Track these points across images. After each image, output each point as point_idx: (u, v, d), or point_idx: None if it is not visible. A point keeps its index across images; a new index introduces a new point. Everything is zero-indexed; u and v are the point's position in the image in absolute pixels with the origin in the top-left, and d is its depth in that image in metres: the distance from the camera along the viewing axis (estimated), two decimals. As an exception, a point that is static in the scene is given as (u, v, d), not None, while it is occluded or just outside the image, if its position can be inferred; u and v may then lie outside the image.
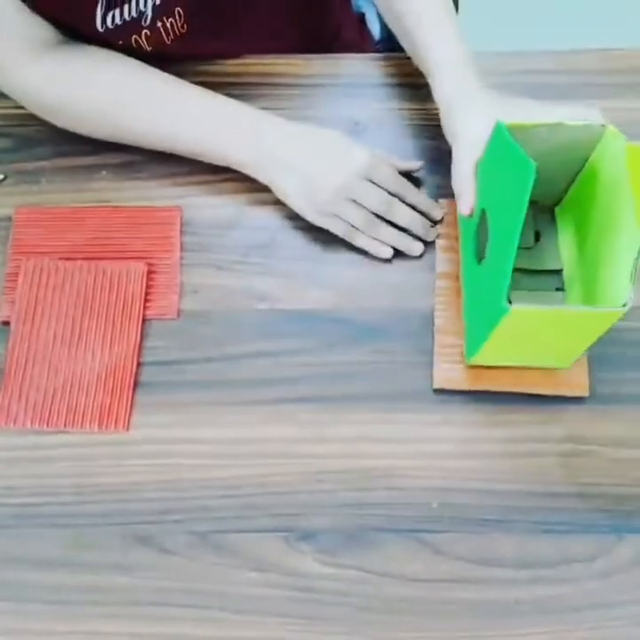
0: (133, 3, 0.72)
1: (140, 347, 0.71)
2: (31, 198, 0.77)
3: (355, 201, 0.72)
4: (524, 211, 0.58)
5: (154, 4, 0.73)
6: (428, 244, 0.75)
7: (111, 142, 0.78)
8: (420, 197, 0.75)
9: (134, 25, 0.74)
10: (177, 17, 0.76)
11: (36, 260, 0.74)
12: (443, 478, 0.67)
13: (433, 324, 0.71)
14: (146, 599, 0.63)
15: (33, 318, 0.72)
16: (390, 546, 0.65)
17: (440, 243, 0.75)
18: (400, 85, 0.82)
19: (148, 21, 0.74)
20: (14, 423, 0.69)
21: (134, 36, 0.75)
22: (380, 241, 0.74)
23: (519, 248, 0.71)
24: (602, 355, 0.69)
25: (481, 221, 0.67)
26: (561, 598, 0.63)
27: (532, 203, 0.72)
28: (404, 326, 0.72)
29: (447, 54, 0.72)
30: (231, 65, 0.83)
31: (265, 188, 0.75)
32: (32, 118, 0.78)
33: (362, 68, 0.84)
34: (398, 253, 0.74)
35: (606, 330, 0.61)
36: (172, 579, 0.64)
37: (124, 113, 0.75)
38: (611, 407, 0.68)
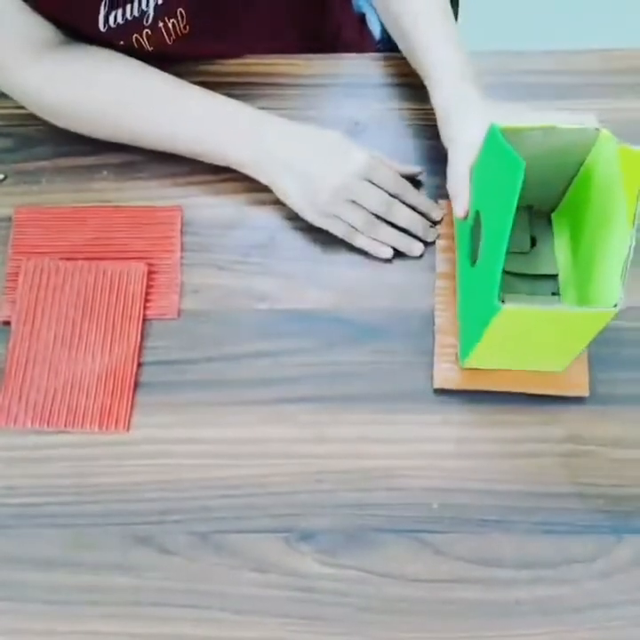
0: (136, 2, 0.72)
1: (141, 347, 0.71)
2: (31, 198, 0.77)
3: (354, 202, 0.72)
4: (514, 208, 0.58)
5: (156, 4, 0.73)
6: (428, 245, 0.75)
7: (111, 142, 0.78)
8: (419, 198, 0.75)
9: (136, 24, 0.74)
10: (179, 17, 0.76)
11: (37, 260, 0.74)
12: (443, 478, 0.67)
13: (433, 324, 0.71)
14: (146, 599, 0.63)
15: (33, 318, 0.72)
16: (390, 546, 0.65)
17: (440, 243, 0.75)
18: (400, 85, 0.82)
19: (150, 21, 0.74)
20: (14, 423, 0.69)
21: (135, 35, 0.75)
22: (380, 241, 0.74)
23: (515, 253, 0.72)
24: (602, 355, 0.69)
25: (475, 224, 0.68)
26: (561, 599, 0.63)
27: (528, 208, 0.73)
28: (404, 326, 0.72)
29: (444, 58, 0.72)
30: (231, 65, 0.83)
31: (265, 188, 0.75)
32: (32, 118, 0.78)
33: (362, 68, 0.84)
34: (398, 253, 0.74)
35: (599, 331, 0.61)
36: (173, 579, 0.64)
37: (125, 113, 0.75)
38: (610, 407, 0.68)
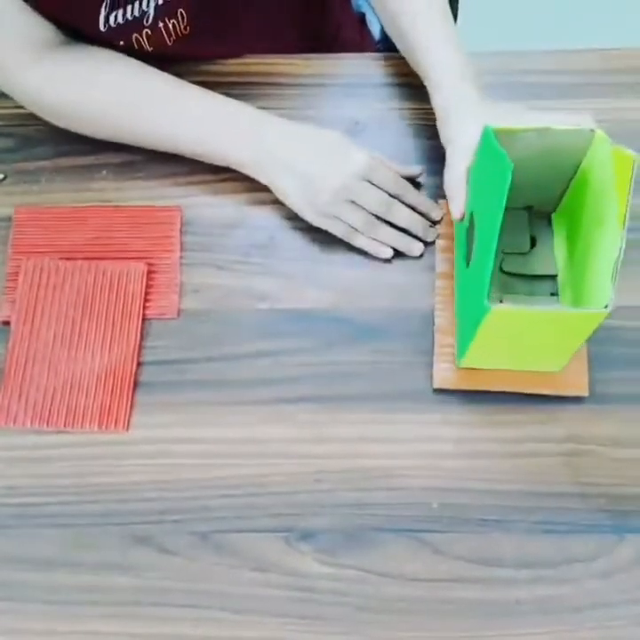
0: (136, 3, 0.72)
1: (140, 346, 0.71)
2: (31, 198, 0.77)
3: (354, 202, 0.72)
4: (502, 210, 0.59)
5: (156, 5, 0.73)
6: (428, 245, 0.75)
7: (112, 142, 0.78)
8: (419, 198, 0.75)
9: (136, 24, 0.74)
10: (179, 18, 0.76)
11: (36, 259, 0.74)
12: (442, 478, 0.67)
13: (433, 324, 0.71)
14: (146, 599, 0.63)
15: (33, 318, 0.72)
16: (390, 546, 0.65)
17: (440, 243, 0.75)
18: (400, 85, 0.82)
19: (150, 21, 0.74)
20: (14, 423, 0.69)
21: (135, 35, 0.75)
22: (380, 241, 0.74)
23: (514, 253, 0.72)
24: (602, 355, 0.69)
25: (470, 225, 0.68)
26: (561, 598, 0.63)
27: (529, 208, 0.73)
28: (403, 326, 0.72)
29: (443, 58, 0.72)
30: (231, 65, 0.83)
31: (265, 188, 0.75)
32: (32, 118, 0.78)
33: (362, 68, 0.84)
34: (398, 253, 0.74)
35: (593, 332, 0.61)
36: (172, 579, 0.64)
37: (125, 114, 0.75)
38: (610, 407, 0.68)
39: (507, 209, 0.70)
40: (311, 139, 0.74)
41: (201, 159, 0.76)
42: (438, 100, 0.72)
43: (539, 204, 0.73)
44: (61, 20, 0.73)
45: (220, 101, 0.75)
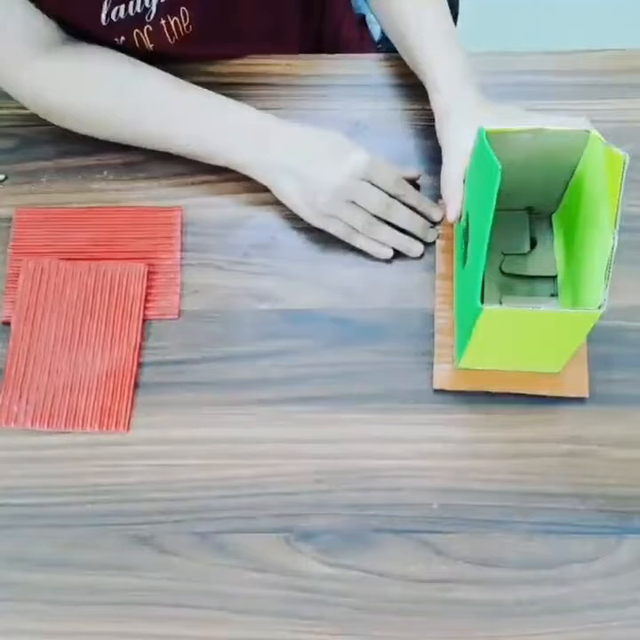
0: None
1: (141, 347, 0.71)
2: (32, 198, 0.77)
3: (354, 202, 0.72)
4: (492, 211, 0.59)
5: (159, 2, 0.73)
6: (428, 245, 0.75)
7: (112, 142, 0.78)
8: (419, 199, 0.75)
9: (137, 20, 0.74)
10: (182, 16, 0.76)
11: (37, 260, 0.74)
12: (443, 478, 0.66)
13: (433, 324, 0.71)
14: (146, 599, 0.63)
15: (33, 319, 0.72)
16: (390, 546, 0.65)
17: (440, 243, 0.75)
18: (400, 85, 0.82)
19: (152, 17, 0.74)
20: (14, 423, 0.69)
21: (136, 31, 0.75)
22: (380, 242, 0.74)
23: (514, 254, 0.72)
24: (602, 355, 0.69)
25: (467, 226, 0.68)
26: (561, 599, 0.63)
27: (528, 210, 0.73)
28: (404, 326, 0.72)
29: (442, 59, 0.73)
30: (231, 65, 0.83)
31: (265, 189, 0.75)
32: (33, 118, 0.78)
33: (362, 68, 0.84)
34: (398, 253, 0.74)
35: (588, 332, 0.61)
36: (172, 579, 0.64)
37: (126, 114, 0.75)
38: (610, 407, 0.68)
39: (506, 210, 0.70)
40: (312, 140, 0.74)
41: (201, 160, 0.76)
42: (437, 101, 0.72)
43: (539, 205, 0.74)
44: (63, 15, 0.73)
45: (219, 102, 0.75)
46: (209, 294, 0.74)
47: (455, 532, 0.65)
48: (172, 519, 0.66)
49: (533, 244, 0.73)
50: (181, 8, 0.75)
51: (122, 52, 0.76)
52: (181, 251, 0.75)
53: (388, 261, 0.74)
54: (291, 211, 0.74)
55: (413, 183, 0.76)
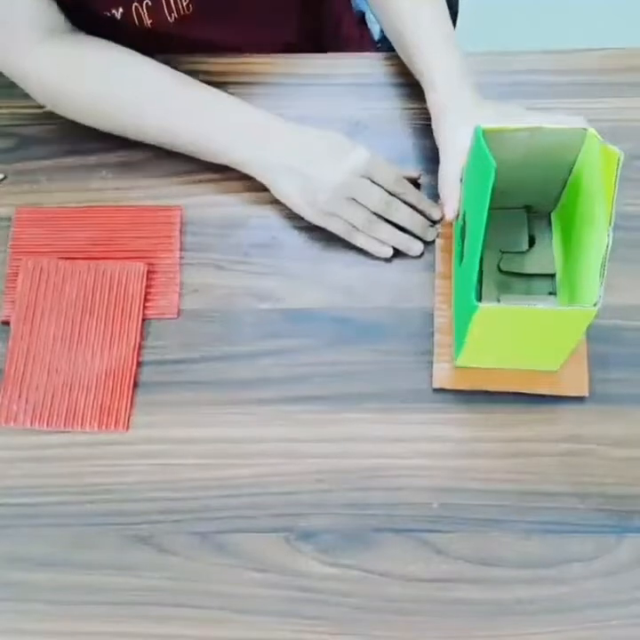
0: None
1: (140, 346, 0.71)
2: (31, 198, 0.77)
3: (355, 200, 0.72)
4: (486, 209, 0.59)
5: None
6: (428, 244, 0.75)
7: (111, 143, 0.78)
8: (419, 197, 0.75)
9: None
10: None
11: (36, 259, 0.74)
12: (443, 478, 0.67)
13: (433, 324, 0.71)
14: (146, 599, 0.63)
15: (33, 318, 0.72)
16: (390, 546, 0.65)
17: (440, 242, 0.75)
18: (400, 85, 0.82)
19: None
20: (14, 423, 0.69)
21: (135, 4, 0.75)
22: (380, 240, 0.74)
23: (513, 253, 0.72)
24: (602, 355, 0.70)
25: (464, 224, 0.68)
26: (561, 598, 0.63)
27: (527, 208, 0.73)
28: (404, 326, 0.72)
29: (440, 58, 0.73)
30: (231, 64, 0.83)
31: (266, 188, 0.75)
32: (33, 118, 0.78)
33: (362, 67, 0.84)
34: (398, 253, 0.74)
35: (585, 330, 0.61)
36: (172, 579, 0.64)
37: (127, 107, 0.75)
38: (610, 407, 0.68)
39: (505, 208, 0.70)
40: (311, 139, 0.74)
41: (200, 157, 0.76)
42: (433, 101, 0.72)
43: (537, 204, 0.74)
44: None
45: (221, 99, 0.75)
46: (208, 294, 0.74)
47: (455, 532, 0.65)
48: (172, 519, 0.66)
49: (532, 242, 0.73)
50: None
51: (119, 29, 0.75)
52: (181, 250, 0.75)
53: (387, 260, 0.74)
54: (291, 210, 0.74)
55: (414, 183, 0.76)
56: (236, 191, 0.77)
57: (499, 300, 0.70)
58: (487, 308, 0.60)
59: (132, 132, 0.76)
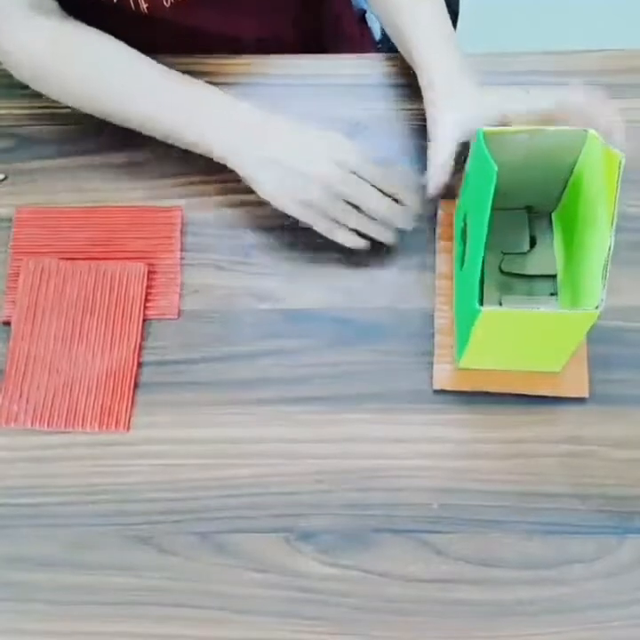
0: None
1: (141, 347, 0.71)
2: (31, 198, 0.77)
3: (334, 190, 0.70)
4: (488, 212, 0.59)
5: None
6: (428, 244, 0.75)
7: (112, 143, 0.78)
8: (397, 188, 0.73)
9: None
10: None
11: (37, 260, 0.74)
12: (443, 478, 0.67)
13: (433, 324, 0.71)
14: (146, 599, 0.63)
15: (33, 318, 0.72)
16: (390, 546, 0.65)
17: (440, 243, 0.75)
18: (400, 85, 0.82)
19: None
20: (14, 423, 0.69)
21: None
22: (354, 231, 0.72)
23: (514, 254, 0.72)
24: (602, 355, 0.70)
25: (465, 226, 0.68)
26: (561, 599, 0.63)
27: (528, 209, 0.73)
28: (403, 326, 0.72)
29: (438, 59, 0.72)
30: (231, 64, 0.82)
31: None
32: (33, 118, 0.78)
33: (362, 68, 0.84)
34: (398, 253, 0.74)
35: (587, 331, 0.61)
36: (172, 579, 0.64)
37: (114, 96, 0.74)
38: (610, 408, 0.68)
39: (506, 209, 0.70)
40: (292, 132, 0.73)
41: (188, 148, 0.74)
42: (430, 99, 0.72)
43: (538, 204, 0.74)
44: None
45: (205, 92, 0.74)
46: (209, 294, 0.74)
47: (455, 532, 0.65)
48: (172, 519, 0.66)
49: (533, 243, 0.73)
50: None
51: (116, 14, 0.75)
52: (181, 250, 0.75)
53: (386, 260, 0.74)
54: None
55: (413, 177, 0.75)
56: (236, 192, 0.77)
57: (500, 302, 0.70)
58: (490, 312, 0.60)
59: (116, 119, 0.75)
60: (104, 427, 0.69)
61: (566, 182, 0.70)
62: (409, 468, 0.67)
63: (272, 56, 0.83)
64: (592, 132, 0.64)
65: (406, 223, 0.73)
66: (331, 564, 0.64)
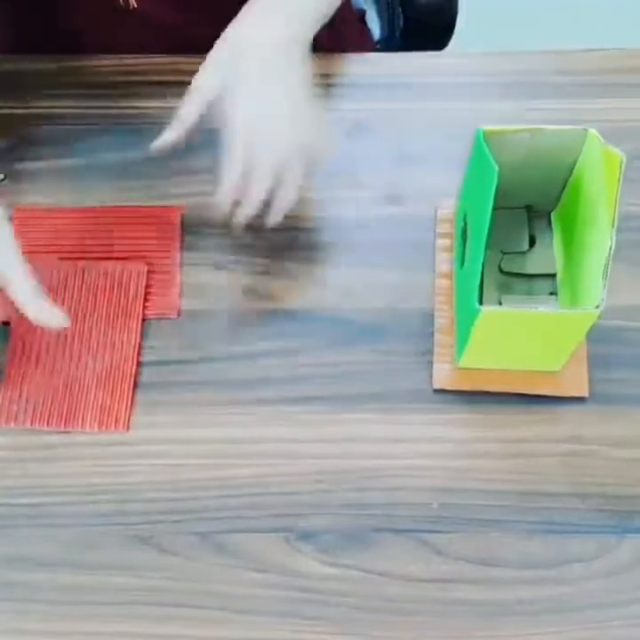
0: None
1: (140, 346, 0.71)
2: (31, 198, 0.77)
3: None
4: (489, 212, 0.59)
5: None
6: (428, 243, 0.74)
7: (111, 143, 0.78)
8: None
9: None
10: None
11: (36, 260, 0.74)
12: (443, 478, 0.67)
13: (433, 324, 0.71)
14: (146, 599, 0.63)
15: (33, 318, 0.72)
16: (390, 546, 0.65)
17: (440, 243, 0.75)
18: (400, 85, 0.82)
19: None
20: (14, 422, 0.69)
21: None
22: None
23: (513, 253, 0.72)
24: (602, 355, 0.70)
25: (465, 226, 0.68)
26: (561, 598, 0.63)
27: (528, 208, 0.73)
28: (403, 326, 0.72)
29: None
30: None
31: (265, 188, 0.75)
32: (32, 118, 0.78)
33: (362, 67, 0.84)
34: (399, 253, 0.74)
35: (588, 331, 0.61)
36: (172, 579, 0.64)
37: None
38: (611, 407, 0.68)
39: (505, 208, 0.70)
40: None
41: None
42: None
43: (537, 204, 0.74)
44: None
45: None
46: (209, 294, 0.74)
47: (455, 532, 0.65)
48: (172, 519, 0.66)
49: (532, 242, 0.73)
50: None
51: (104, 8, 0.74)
52: (181, 250, 0.75)
53: (386, 260, 0.74)
54: (290, 210, 0.74)
55: (413, 176, 0.75)
56: (236, 191, 0.77)
57: (500, 302, 0.70)
58: (489, 312, 0.60)
59: None
60: (103, 426, 0.69)
61: (566, 182, 0.70)
62: (409, 468, 0.67)
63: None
64: (592, 131, 0.64)
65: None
66: (331, 564, 0.64)
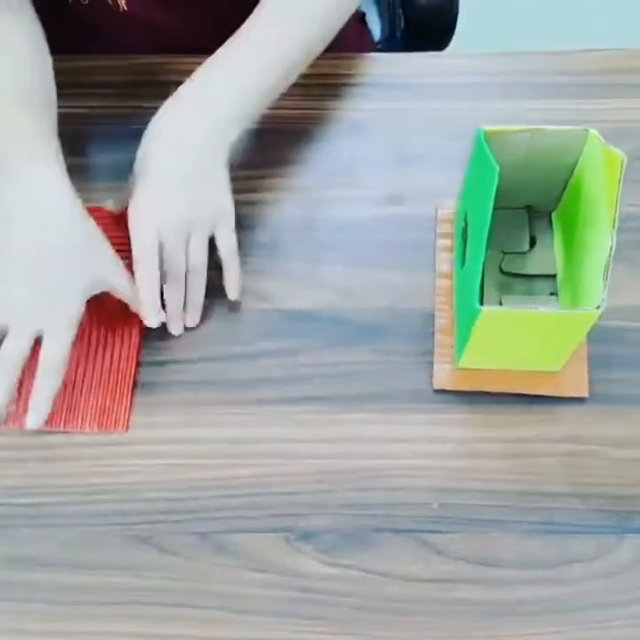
0: None
1: (140, 346, 0.71)
2: (31, 198, 0.77)
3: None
4: (490, 212, 0.59)
5: None
6: (428, 243, 0.74)
7: (112, 143, 0.78)
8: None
9: None
10: None
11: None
12: (443, 478, 0.67)
13: (433, 324, 0.71)
14: (146, 599, 0.63)
15: (33, 318, 0.72)
16: (390, 546, 0.65)
17: (440, 243, 0.75)
18: (400, 85, 0.82)
19: None
20: (14, 423, 0.69)
21: None
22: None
23: (514, 253, 0.72)
24: (602, 355, 0.70)
25: (465, 226, 0.68)
26: (561, 599, 0.63)
27: (528, 208, 0.73)
28: (404, 326, 0.72)
29: (213, 67, 0.70)
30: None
31: (265, 188, 0.75)
32: (32, 118, 0.78)
33: (362, 67, 0.84)
34: (399, 253, 0.74)
35: (588, 331, 0.61)
36: (172, 579, 0.64)
37: None
38: (611, 407, 0.68)
39: (506, 208, 0.70)
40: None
41: None
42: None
43: (538, 204, 0.74)
44: None
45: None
46: (209, 294, 0.73)
47: (455, 532, 0.65)
48: (172, 519, 0.66)
49: (533, 242, 0.73)
50: None
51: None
52: (181, 250, 0.75)
53: (386, 260, 0.74)
54: (291, 210, 0.74)
55: (412, 177, 0.75)
56: (235, 192, 0.77)
57: (500, 302, 0.70)
58: (490, 312, 0.60)
59: None
60: (103, 427, 0.69)
61: (567, 182, 0.70)
62: (409, 468, 0.67)
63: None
64: (593, 131, 0.64)
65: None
66: (331, 564, 0.64)
